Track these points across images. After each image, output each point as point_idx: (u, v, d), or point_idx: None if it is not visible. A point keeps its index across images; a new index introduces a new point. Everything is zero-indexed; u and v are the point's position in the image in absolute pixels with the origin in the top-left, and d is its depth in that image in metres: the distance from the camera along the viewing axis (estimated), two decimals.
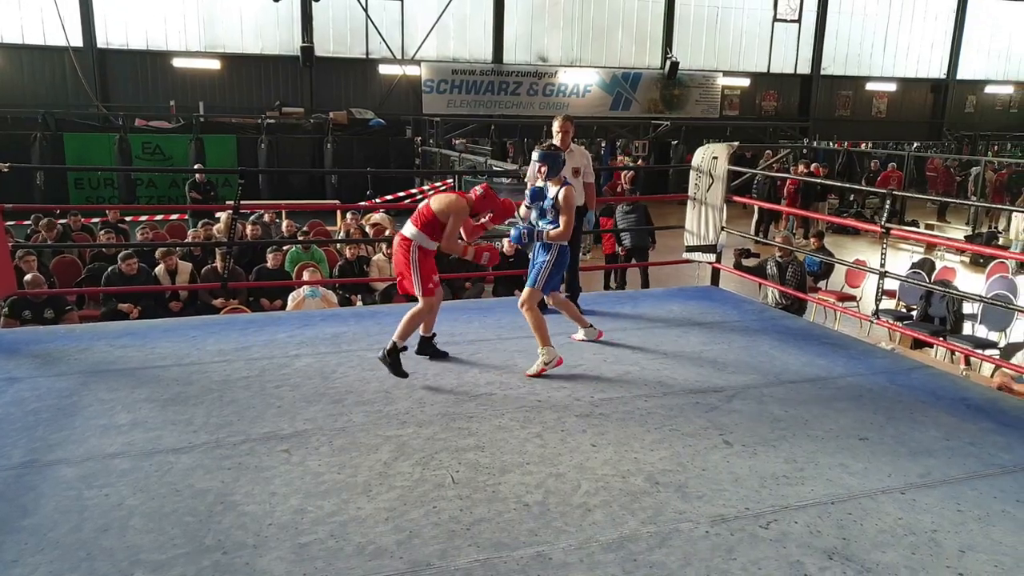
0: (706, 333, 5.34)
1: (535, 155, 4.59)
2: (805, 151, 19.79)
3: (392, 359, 4.15)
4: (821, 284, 9.32)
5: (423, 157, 18.42)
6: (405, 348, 4.24)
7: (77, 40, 18.04)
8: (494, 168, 13.12)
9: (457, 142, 18.81)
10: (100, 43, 18.53)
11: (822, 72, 25.14)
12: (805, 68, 25.07)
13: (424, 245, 4.24)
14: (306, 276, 7.48)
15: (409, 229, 4.24)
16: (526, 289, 4.53)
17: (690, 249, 6.81)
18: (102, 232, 9.89)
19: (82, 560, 2.55)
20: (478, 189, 4.34)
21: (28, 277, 6.79)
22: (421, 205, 4.32)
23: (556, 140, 5.19)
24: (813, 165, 16.82)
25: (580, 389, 4.17)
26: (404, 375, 4.14)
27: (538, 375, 4.34)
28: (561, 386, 4.21)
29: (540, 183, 4.60)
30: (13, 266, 5.98)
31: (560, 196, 4.42)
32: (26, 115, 16.17)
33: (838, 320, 8.23)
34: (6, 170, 5.35)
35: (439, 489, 3.07)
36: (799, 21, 24.52)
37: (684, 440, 3.57)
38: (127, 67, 18.96)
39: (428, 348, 4.62)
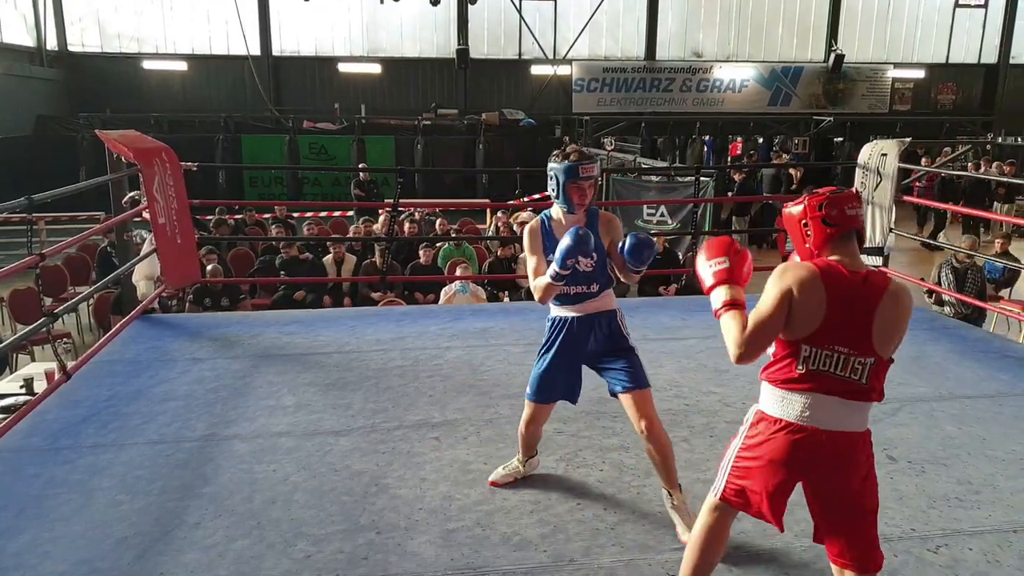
0: None
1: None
2: (988, 147, 18.05)
3: None
4: (1003, 293, 8.48)
5: None
6: None
7: (256, 49, 19.61)
8: (642, 165, 12.93)
9: (605, 140, 18.71)
10: (275, 51, 20.05)
11: (1011, 61, 22.84)
12: (990, 57, 22.89)
13: None
14: (458, 272, 7.72)
15: (863, 414, 2.09)
16: (641, 393, 2.74)
17: None
18: (273, 227, 10.66)
19: (253, 528, 2.77)
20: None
21: (208, 267, 7.45)
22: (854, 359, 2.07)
23: None
24: (999, 164, 15.31)
25: (731, 394, 4.03)
26: None
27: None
28: (711, 391, 4.09)
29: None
30: (200, 258, 6.56)
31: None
32: (210, 119, 17.81)
33: (1023, 332, 7.46)
34: (194, 169, 5.89)
35: (583, 486, 3.07)
36: (985, 6, 22.41)
37: None
38: (297, 72, 20.41)
39: None
